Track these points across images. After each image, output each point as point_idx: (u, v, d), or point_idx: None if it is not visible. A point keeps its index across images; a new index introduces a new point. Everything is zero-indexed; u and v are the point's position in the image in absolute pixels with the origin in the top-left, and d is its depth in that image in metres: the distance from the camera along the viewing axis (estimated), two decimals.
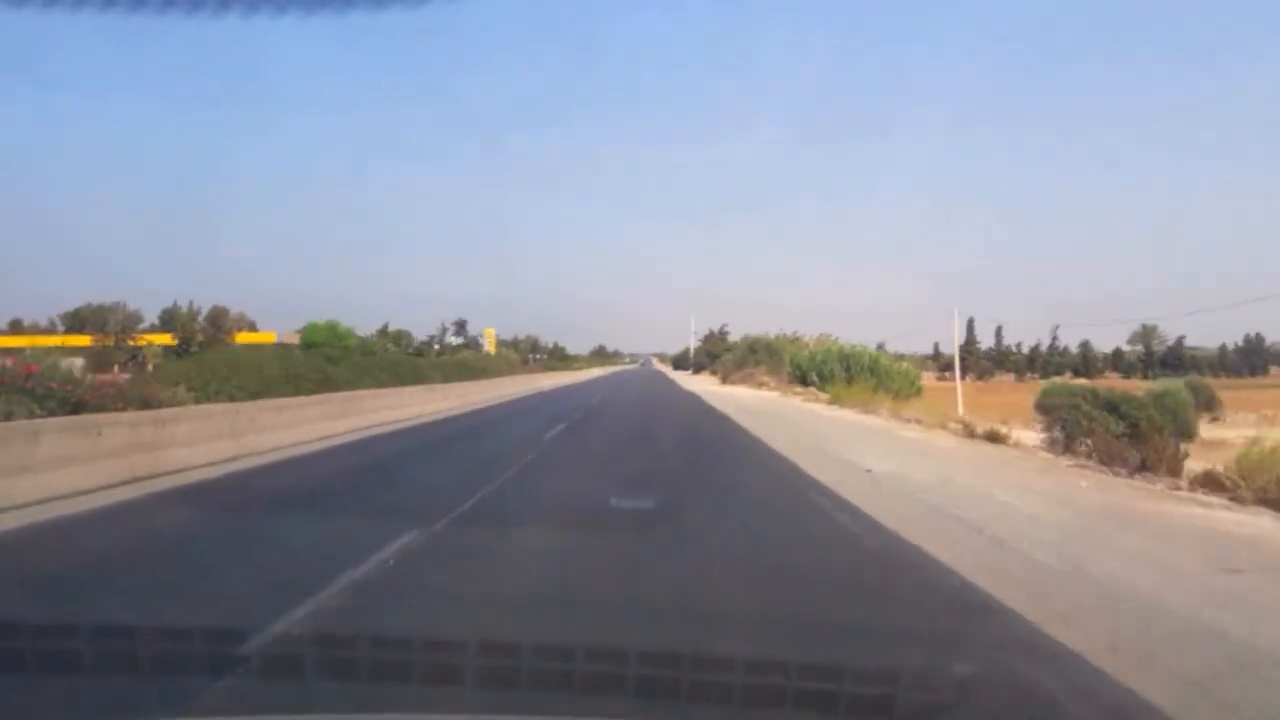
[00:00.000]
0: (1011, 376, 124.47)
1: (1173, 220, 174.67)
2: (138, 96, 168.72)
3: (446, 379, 29.01)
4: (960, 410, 40.54)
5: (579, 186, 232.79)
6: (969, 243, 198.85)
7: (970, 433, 20.54)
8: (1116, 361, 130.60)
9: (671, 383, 63.18)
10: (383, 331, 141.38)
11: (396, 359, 24.52)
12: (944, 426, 22.66)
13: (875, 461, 14.17)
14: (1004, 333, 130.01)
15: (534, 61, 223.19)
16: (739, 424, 21.13)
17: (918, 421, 24.39)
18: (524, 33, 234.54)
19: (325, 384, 16.86)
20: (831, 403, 32.50)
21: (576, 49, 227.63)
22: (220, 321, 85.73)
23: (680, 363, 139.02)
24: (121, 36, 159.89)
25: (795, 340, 65.09)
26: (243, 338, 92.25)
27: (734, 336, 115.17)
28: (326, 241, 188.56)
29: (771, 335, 62.96)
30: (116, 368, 62.34)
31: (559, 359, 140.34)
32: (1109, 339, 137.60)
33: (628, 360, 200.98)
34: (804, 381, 55.14)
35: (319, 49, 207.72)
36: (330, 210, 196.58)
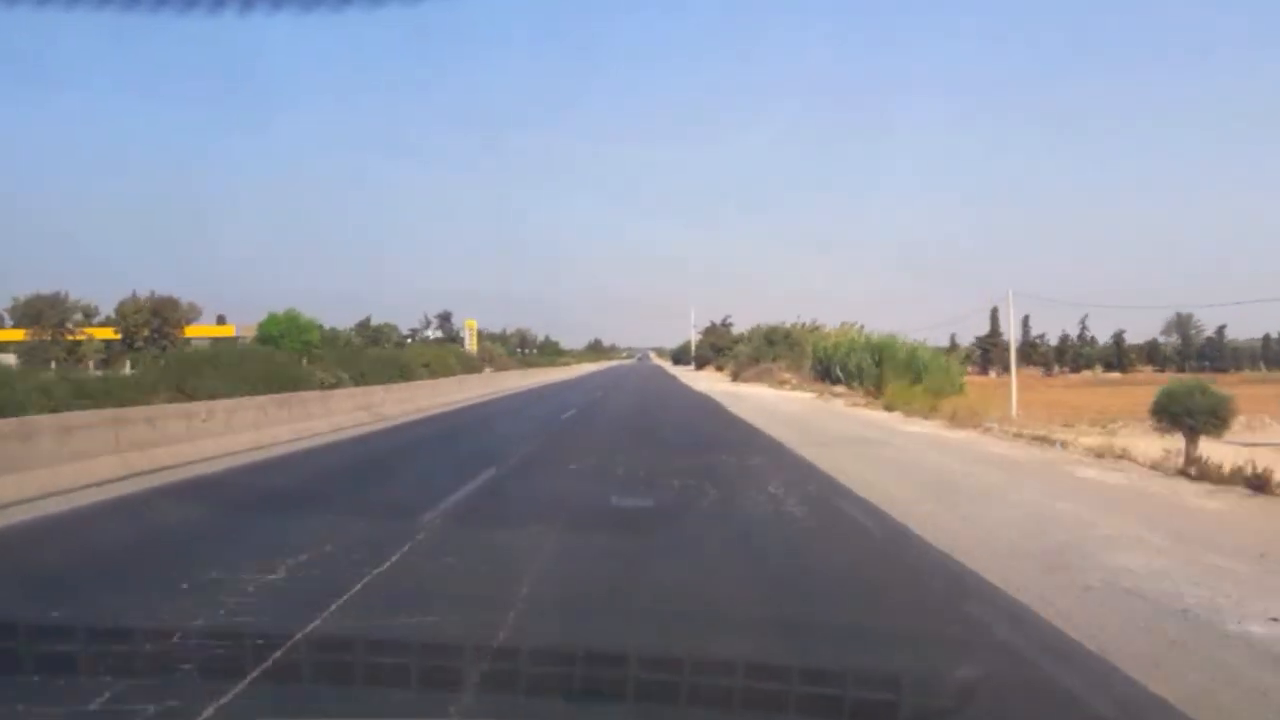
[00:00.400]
0: (1039, 370, 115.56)
1: (1209, 207, 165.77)
2: (129, 94, 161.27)
3: (366, 380, 20.26)
4: (1014, 411, 32.36)
5: (577, 181, 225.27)
6: (985, 232, 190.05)
7: (1196, 469, 11.75)
8: (1151, 353, 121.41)
9: (673, 380, 54.26)
10: (364, 325, 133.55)
11: (238, 353, 15.74)
12: (1116, 453, 13.84)
13: (1186, 588, 5.50)
14: (1030, 323, 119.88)
15: (533, 57, 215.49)
16: (807, 459, 12.14)
17: (1046, 440, 15.51)
18: (523, 28, 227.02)
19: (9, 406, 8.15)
20: (889, 408, 23.58)
21: (575, 45, 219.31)
22: (168, 312, 76.63)
23: (680, 357, 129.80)
24: (114, 34, 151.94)
25: (815, 330, 56.08)
26: (193, 331, 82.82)
27: (738, 328, 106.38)
28: (318, 236, 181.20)
29: (788, 324, 54.07)
30: (54, 365, 53.73)
31: (552, 353, 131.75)
32: (1141, 329, 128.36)
33: (624, 355, 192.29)
34: (828, 377, 46.42)
35: (311, 44, 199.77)
36: (323, 205, 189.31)
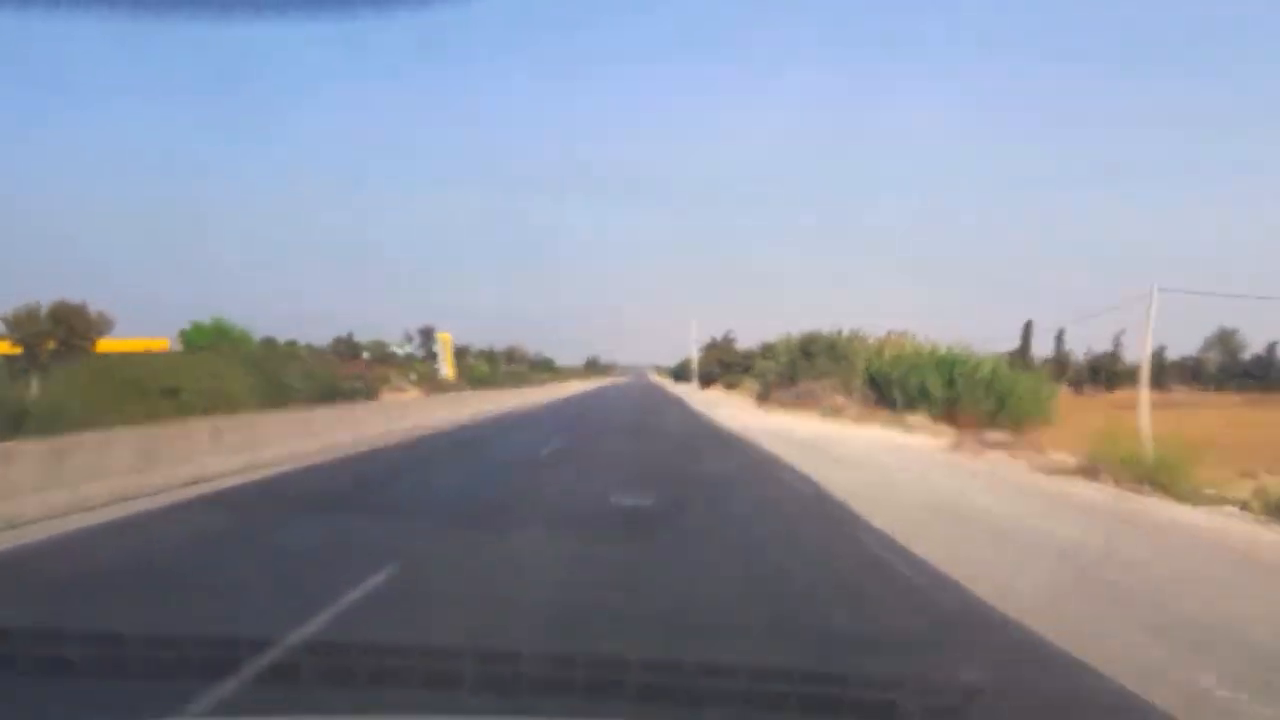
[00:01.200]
0: (1070, 390, 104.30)
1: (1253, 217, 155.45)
2: (114, 97, 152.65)
3: None
4: (1148, 445, 21.29)
5: (579, 193, 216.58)
6: (1003, 243, 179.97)
7: None
8: (1196, 371, 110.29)
9: (679, 405, 42.57)
10: (343, 340, 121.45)
11: None
12: None
13: None
14: (1064, 338, 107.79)
15: (531, 64, 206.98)
16: None
17: None
18: (523, 34, 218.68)
19: None
20: (1163, 486, 12.01)
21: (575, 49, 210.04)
22: (72, 321, 64.82)
23: (681, 374, 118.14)
24: (118, 41, 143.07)
25: (856, 338, 44.24)
26: (109, 345, 70.11)
27: (741, 344, 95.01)
28: (309, 248, 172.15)
29: (827, 331, 42.45)
30: None
31: (544, 370, 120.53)
32: (1176, 346, 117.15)
33: (620, 372, 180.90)
34: (884, 400, 35.21)
35: (305, 48, 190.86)
36: (314, 218, 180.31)
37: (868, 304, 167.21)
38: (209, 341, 65.86)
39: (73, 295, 70.23)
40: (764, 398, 38.73)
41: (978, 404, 33.58)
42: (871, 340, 43.90)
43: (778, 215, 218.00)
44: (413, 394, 29.91)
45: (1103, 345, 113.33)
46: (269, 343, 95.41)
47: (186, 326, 69.29)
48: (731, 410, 34.08)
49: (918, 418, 30.71)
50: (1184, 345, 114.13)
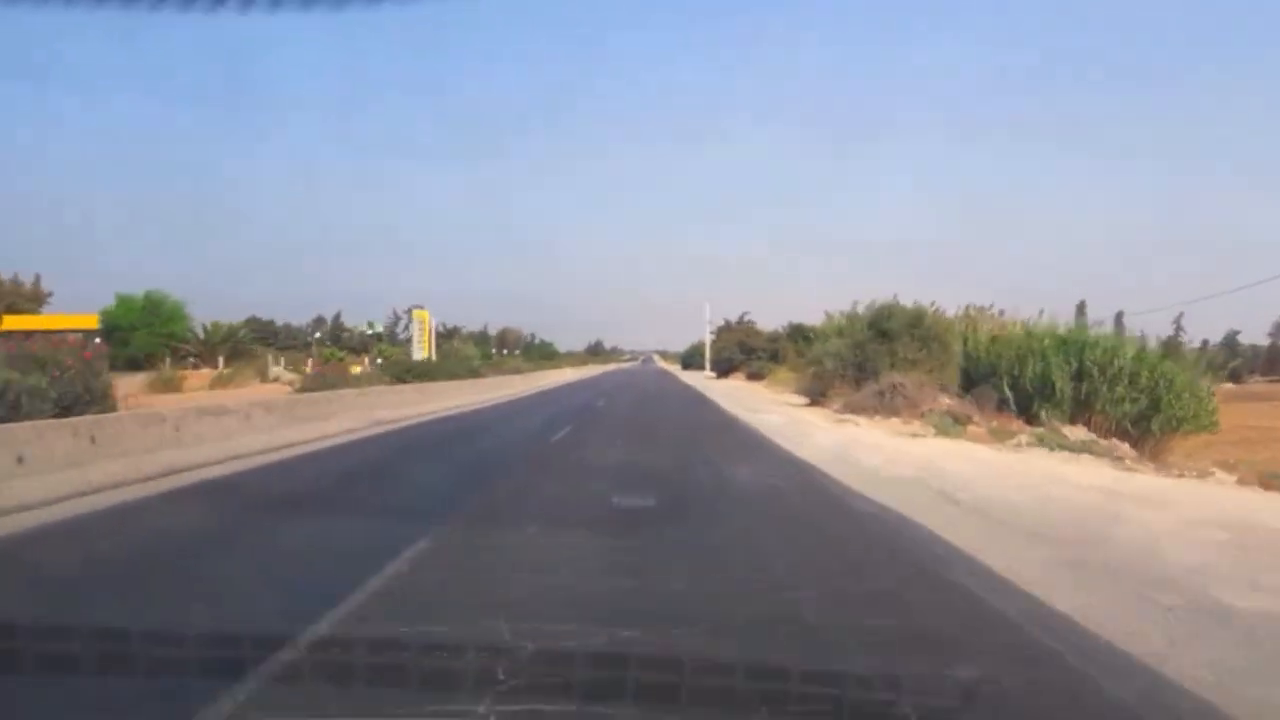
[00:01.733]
0: None
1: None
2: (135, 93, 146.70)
3: None
4: None
5: (581, 181, 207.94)
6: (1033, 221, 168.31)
7: None
8: (1273, 359, 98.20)
9: (700, 406, 31.66)
10: (320, 321, 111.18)
11: None
12: None
13: None
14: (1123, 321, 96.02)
15: (533, 54, 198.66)
16: None
17: None
18: (523, 27, 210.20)
19: None
20: None
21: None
22: None
23: (691, 360, 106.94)
24: (108, 36, 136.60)
25: (932, 313, 32.34)
26: (28, 322, 57.94)
27: (761, 325, 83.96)
28: (309, 228, 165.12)
29: (905, 304, 30.84)
30: None
31: (540, 356, 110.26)
32: (1252, 330, 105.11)
33: (626, 358, 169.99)
34: (997, 399, 24.21)
35: (304, 45, 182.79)
36: (314, 199, 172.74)
37: (880, 290, 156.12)
38: (137, 319, 54.76)
39: (64, 271, 59.66)
40: (818, 395, 27.54)
41: (1119, 404, 22.99)
42: (950, 316, 32.47)
43: (785, 204, 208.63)
44: (283, 388, 20.09)
45: (1157, 329, 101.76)
46: (252, 320, 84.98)
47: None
48: (783, 416, 22.90)
49: (1078, 431, 19.84)
50: (1249, 333, 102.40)
